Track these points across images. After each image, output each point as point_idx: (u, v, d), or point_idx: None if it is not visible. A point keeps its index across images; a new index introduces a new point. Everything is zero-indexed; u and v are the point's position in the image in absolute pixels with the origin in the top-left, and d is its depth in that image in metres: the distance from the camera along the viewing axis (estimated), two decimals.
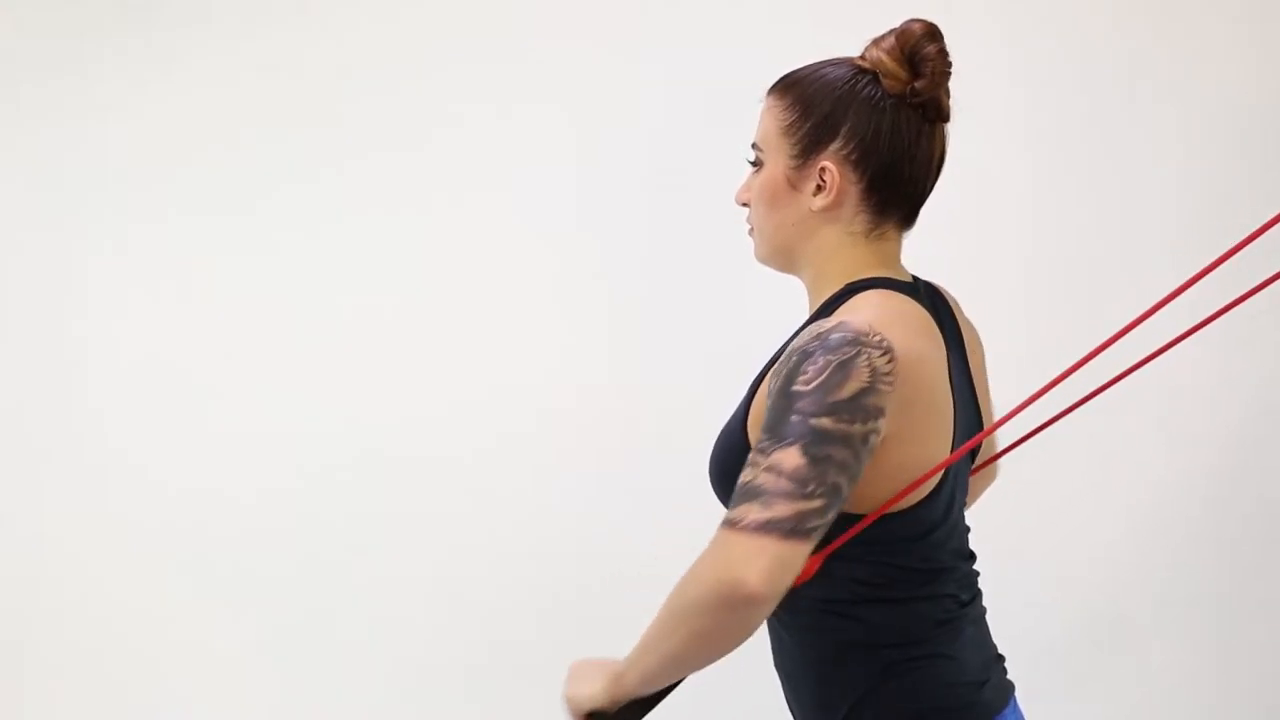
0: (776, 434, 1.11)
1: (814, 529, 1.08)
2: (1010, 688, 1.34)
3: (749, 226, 1.36)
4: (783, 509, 1.07)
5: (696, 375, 2.35)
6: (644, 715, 1.26)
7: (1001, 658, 1.36)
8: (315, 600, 2.54)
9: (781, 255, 1.34)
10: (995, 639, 1.36)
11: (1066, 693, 2.32)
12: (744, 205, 1.36)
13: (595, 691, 1.25)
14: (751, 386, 1.26)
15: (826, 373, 1.11)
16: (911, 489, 1.19)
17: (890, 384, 1.13)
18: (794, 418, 1.10)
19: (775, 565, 1.06)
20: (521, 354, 2.49)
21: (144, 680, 2.57)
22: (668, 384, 2.43)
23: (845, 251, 1.29)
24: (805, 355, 1.13)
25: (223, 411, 2.54)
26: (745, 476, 1.11)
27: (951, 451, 1.23)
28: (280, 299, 2.54)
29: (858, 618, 1.25)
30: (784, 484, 1.08)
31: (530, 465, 2.49)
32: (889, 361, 1.13)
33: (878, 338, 1.14)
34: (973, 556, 1.35)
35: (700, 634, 1.12)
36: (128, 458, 2.56)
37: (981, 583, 1.36)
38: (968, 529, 1.36)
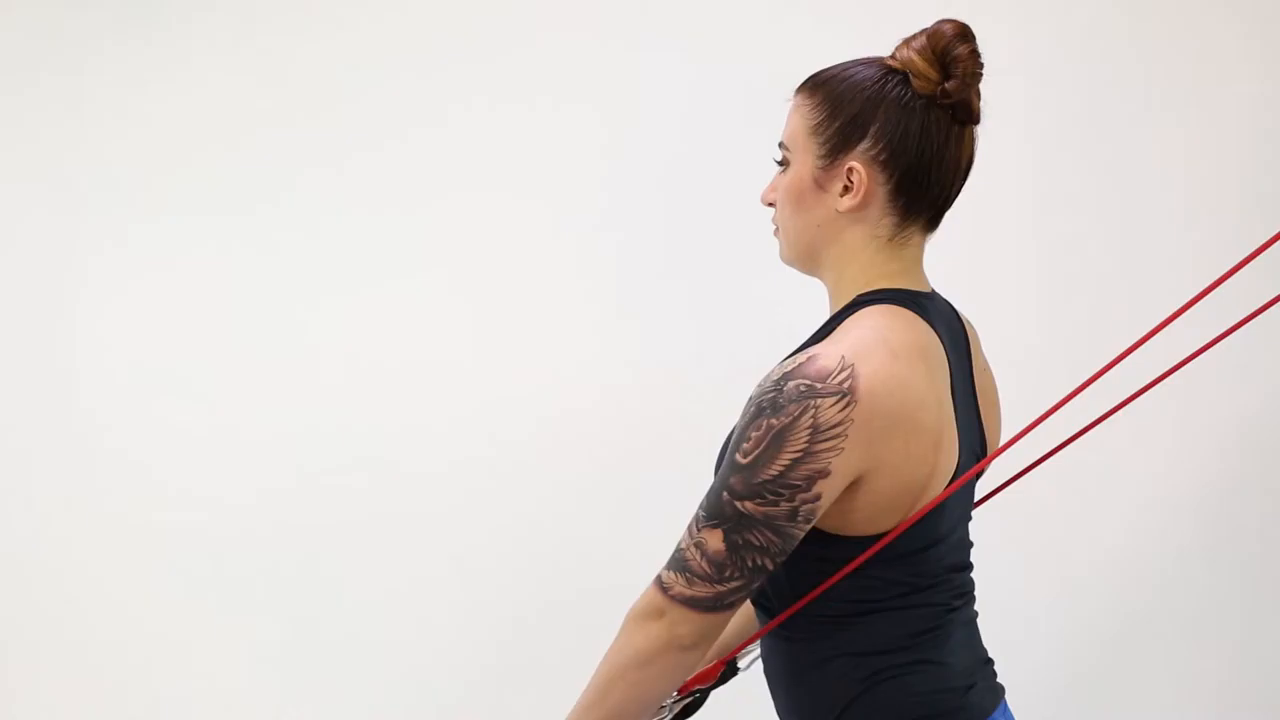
0: (710, 508, 1.19)
1: (734, 601, 1.20)
2: (1000, 690, 1.34)
3: (774, 227, 1.36)
4: (702, 590, 1.19)
5: (708, 377, 2.35)
6: None
7: (990, 661, 1.35)
8: (315, 603, 2.53)
9: (806, 256, 1.33)
10: (997, 642, 1.36)
11: (1070, 694, 2.31)
12: (770, 205, 1.35)
13: None
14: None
15: (762, 446, 1.16)
16: (913, 520, 1.21)
17: (838, 434, 1.15)
18: (724, 495, 1.18)
19: (700, 631, 1.21)
20: (527, 356, 2.48)
21: (141, 682, 2.57)
22: (674, 388, 2.43)
23: (867, 255, 1.28)
24: (758, 413, 1.17)
25: (223, 412, 2.54)
26: (681, 541, 1.21)
27: (957, 470, 1.24)
28: (281, 298, 2.53)
29: (847, 627, 1.25)
30: (705, 567, 1.18)
31: (533, 468, 2.48)
32: (844, 408, 1.14)
33: (839, 377, 1.15)
34: (969, 566, 1.35)
35: (637, 684, 1.23)
36: (127, 456, 2.56)
37: (984, 586, 1.35)
38: (970, 544, 1.36)
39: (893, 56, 1.28)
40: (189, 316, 2.55)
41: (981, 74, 1.26)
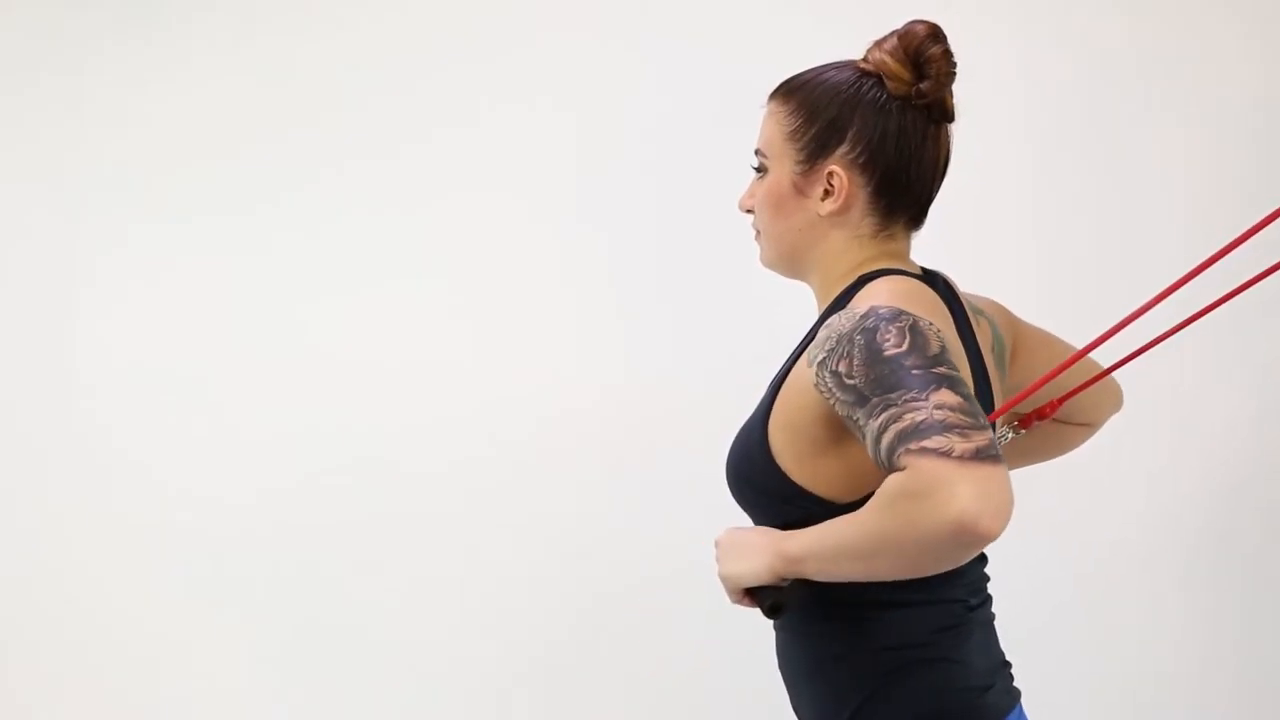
0: (913, 385, 1.06)
1: (1000, 454, 1.04)
2: (1017, 694, 1.33)
3: (755, 232, 1.36)
4: (979, 438, 1.02)
5: (707, 377, 2.35)
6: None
7: (1008, 663, 1.35)
8: (315, 603, 2.53)
9: (789, 260, 1.34)
10: (1003, 641, 1.35)
11: (1072, 695, 2.31)
12: (748, 212, 1.36)
13: (759, 569, 1.19)
14: (771, 387, 1.26)
15: (908, 336, 1.10)
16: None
17: (946, 344, 1.13)
18: (915, 371, 1.07)
19: (1004, 496, 1.02)
20: (526, 356, 2.48)
21: (141, 682, 2.56)
22: (674, 387, 2.42)
23: (853, 253, 1.30)
24: (870, 331, 1.11)
25: (223, 412, 2.54)
26: (914, 416, 1.04)
27: None
28: (282, 299, 2.53)
29: (864, 621, 1.24)
30: (962, 417, 1.04)
31: (533, 468, 2.47)
32: (936, 330, 1.14)
33: (911, 310, 1.14)
34: (984, 559, 1.35)
35: (914, 563, 1.08)
36: (127, 456, 2.55)
37: (991, 586, 1.35)
38: None
39: (865, 59, 1.29)
40: (189, 317, 2.54)
41: (955, 73, 1.27)
